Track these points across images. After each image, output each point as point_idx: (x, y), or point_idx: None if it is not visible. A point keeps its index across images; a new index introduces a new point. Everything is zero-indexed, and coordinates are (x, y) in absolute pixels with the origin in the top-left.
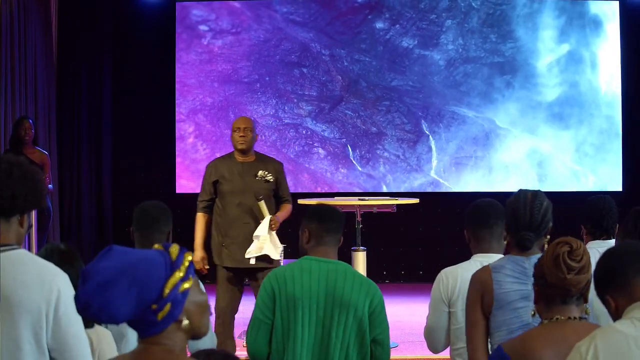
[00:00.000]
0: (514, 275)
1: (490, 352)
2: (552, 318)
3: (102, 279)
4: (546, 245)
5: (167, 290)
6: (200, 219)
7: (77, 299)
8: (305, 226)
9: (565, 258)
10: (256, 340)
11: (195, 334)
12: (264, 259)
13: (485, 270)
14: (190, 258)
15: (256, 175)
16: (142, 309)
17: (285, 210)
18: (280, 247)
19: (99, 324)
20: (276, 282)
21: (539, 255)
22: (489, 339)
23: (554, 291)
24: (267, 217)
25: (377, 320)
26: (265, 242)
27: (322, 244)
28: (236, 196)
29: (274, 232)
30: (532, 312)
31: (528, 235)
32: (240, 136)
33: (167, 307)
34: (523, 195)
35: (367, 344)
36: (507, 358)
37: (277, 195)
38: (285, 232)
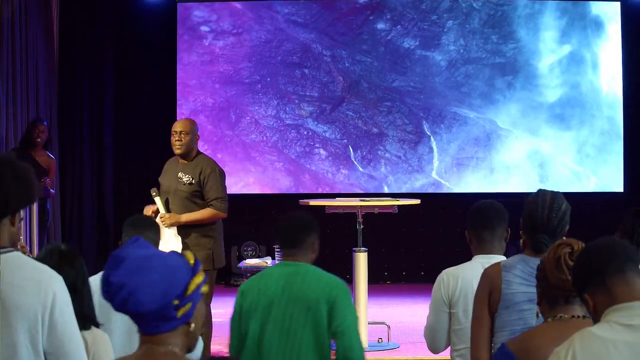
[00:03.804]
0: (523, 277)
1: (493, 352)
2: (556, 316)
3: (135, 263)
4: None
5: (191, 289)
6: None
7: (109, 282)
8: None
9: (566, 259)
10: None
11: (190, 342)
12: None
13: (495, 268)
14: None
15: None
16: (165, 303)
17: (201, 212)
18: (179, 242)
19: (123, 309)
20: (239, 293)
21: None
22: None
23: (557, 292)
24: (160, 214)
25: (336, 313)
26: (166, 240)
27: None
28: (164, 196)
29: (168, 230)
30: (537, 313)
31: (543, 238)
32: (176, 140)
33: (188, 305)
34: (542, 196)
35: (323, 339)
36: (512, 356)
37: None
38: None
